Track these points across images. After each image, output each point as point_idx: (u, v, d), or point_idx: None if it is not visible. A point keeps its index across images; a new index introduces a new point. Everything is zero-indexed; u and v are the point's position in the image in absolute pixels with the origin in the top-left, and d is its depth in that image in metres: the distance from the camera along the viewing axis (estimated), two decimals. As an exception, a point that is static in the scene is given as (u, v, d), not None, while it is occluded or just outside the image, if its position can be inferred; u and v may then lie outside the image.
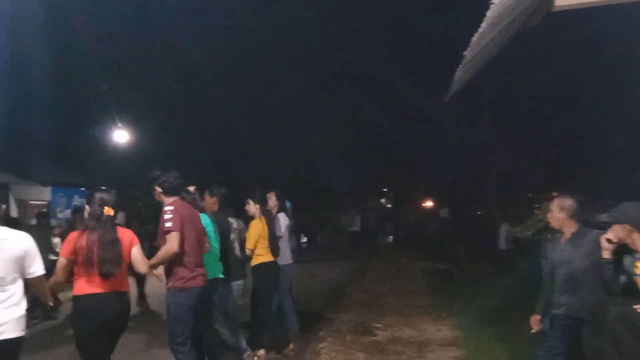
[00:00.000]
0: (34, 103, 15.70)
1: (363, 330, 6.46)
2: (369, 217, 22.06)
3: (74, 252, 3.46)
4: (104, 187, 3.82)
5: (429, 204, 29.32)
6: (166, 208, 4.01)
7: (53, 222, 13.00)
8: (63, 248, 3.51)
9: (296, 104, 20.11)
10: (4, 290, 3.00)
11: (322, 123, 20.79)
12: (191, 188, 4.76)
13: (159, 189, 4.15)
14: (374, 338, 6.13)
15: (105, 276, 3.46)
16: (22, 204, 13.61)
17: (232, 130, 19.39)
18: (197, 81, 18.69)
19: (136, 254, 3.68)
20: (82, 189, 15.83)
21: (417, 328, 6.48)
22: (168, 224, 3.91)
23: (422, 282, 10.17)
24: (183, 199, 4.34)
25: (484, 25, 3.35)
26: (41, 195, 14.17)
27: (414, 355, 5.35)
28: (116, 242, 3.54)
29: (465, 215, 20.34)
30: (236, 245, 5.26)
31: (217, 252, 4.77)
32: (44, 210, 13.05)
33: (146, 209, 15.23)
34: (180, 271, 4.02)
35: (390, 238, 23.38)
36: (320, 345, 5.87)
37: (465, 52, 3.95)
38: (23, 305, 3.08)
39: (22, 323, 3.06)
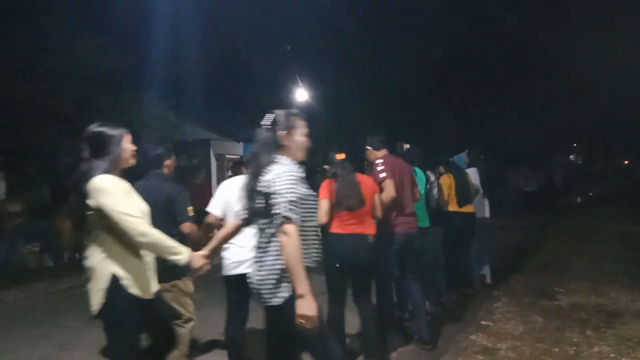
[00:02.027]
0: (228, 67, 17.35)
1: (542, 294, 6.11)
2: (554, 174, 20.28)
3: (329, 195, 3.92)
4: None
5: (626, 160, 25.85)
6: (377, 161, 4.45)
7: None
8: (321, 193, 3.94)
9: (480, 60, 19.07)
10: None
11: (501, 74, 19.46)
12: (406, 146, 5.36)
13: (369, 148, 4.64)
14: (555, 302, 5.77)
15: (349, 209, 3.85)
16: (220, 158, 15.39)
17: (409, 88, 19.16)
18: (375, 40, 18.73)
19: (376, 200, 4.08)
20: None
21: (606, 296, 5.91)
22: (382, 175, 4.33)
23: (615, 246, 9.14)
24: (396, 153, 4.91)
25: None
26: (235, 150, 15.82)
27: (602, 325, 4.91)
28: (354, 182, 3.95)
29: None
30: (432, 196, 5.64)
31: (424, 202, 5.22)
32: (238, 157, 14.60)
33: (322, 162, 16.03)
34: (390, 218, 4.37)
35: (579, 198, 21.28)
36: (494, 305, 5.74)
37: None
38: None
39: None
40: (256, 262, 2.62)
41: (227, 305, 3.80)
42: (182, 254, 2.67)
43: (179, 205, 3.65)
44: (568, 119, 22.45)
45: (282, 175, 2.48)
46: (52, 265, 9.54)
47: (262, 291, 2.57)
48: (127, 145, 2.76)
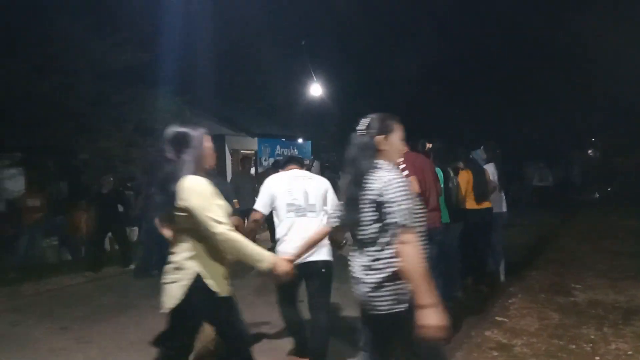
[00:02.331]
0: (243, 63, 17.40)
1: (558, 290, 6.05)
2: (572, 169, 19.96)
3: None
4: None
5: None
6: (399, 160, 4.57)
7: (260, 169, 14.62)
8: None
9: (496, 55, 18.87)
10: (316, 218, 3.75)
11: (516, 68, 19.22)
12: (428, 145, 5.58)
13: None
14: (571, 299, 5.71)
15: None
16: (235, 153, 15.48)
17: (424, 84, 19.01)
18: (388, 34, 18.61)
19: None
20: (283, 139, 17.32)
21: (624, 293, 5.83)
22: (405, 172, 4.41)
23: (634, 243, 9.00)
24: (417, 150, 5.15)
25: None
26: (250, 146, 15.89)
27: (619, 322, 4.85)
28: None
29: None
30: (453, 193, 5.84)
31: (443, 200, 5.30)
32: (252, 152, 14.92)
33: (339, 158, 16.09)
34: None
35: (597, 194, 20.96)
36: (510, 301, 5.69)
37: None
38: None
39: (329, 250, 3.74)
40: (366, 271, 2.51)
41: (280, 296, 3.94)
42: (265, 260, 2.72)
43: (226, 199, 3.80)
44: (586, 113, 22.12)
45: (393, 183, 2.42)
46: (70, 259, 9.69)
47: (375, 300, 2.48)
48: (208, 145, 2.83)
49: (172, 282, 2.70)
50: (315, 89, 16.84)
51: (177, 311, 2.70)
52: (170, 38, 11.69)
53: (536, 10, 18.30)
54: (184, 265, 2.68)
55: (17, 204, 9.43)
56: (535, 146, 21.21)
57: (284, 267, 2.81)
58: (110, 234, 9.22)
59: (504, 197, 6.74)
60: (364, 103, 18.27)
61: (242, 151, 15.82)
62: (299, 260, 3.60)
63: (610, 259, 7.74)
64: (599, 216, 13.54)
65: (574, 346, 4.29)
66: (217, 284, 2.70)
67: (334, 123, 19.09)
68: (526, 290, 6.15)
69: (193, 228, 2.65)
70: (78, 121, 10.20)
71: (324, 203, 3.86)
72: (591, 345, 4.30)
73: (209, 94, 14.78)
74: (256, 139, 15.85)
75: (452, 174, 5.78)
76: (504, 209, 6.73)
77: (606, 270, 7.04)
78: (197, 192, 2.61)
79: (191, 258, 2.68)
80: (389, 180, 2.43)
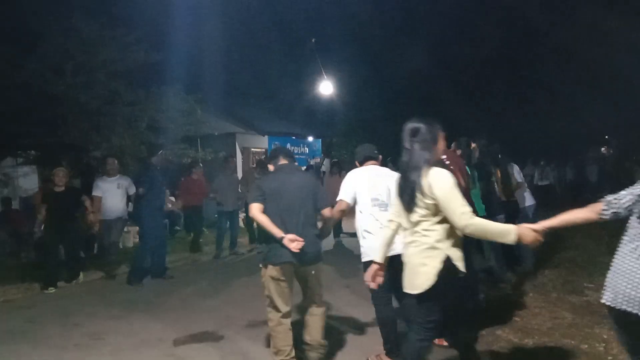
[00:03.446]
0: (253, 61, 17.46)
1: (571, 289, 6.00)
2: (586, 168, 19.71)
3: None
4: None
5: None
6: (442, 157, 4.70)
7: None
8: None
9: (507, 52, 18.76)
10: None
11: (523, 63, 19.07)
12: (472, 145, 5.79)
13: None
14: (584, 298, 5.65)
15: (463, 192, 4.17)
16: (245, 151, 15.54)
17: (434, 82, 18.95)
18: (400, 34, 18.56)
19: None
20: (293, 137, 17.34)
21: (638, 293, 5.77)
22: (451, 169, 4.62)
23: (649, 242, 8.88)
24: (461, 148, 5.44)
25: None
26: (260, 144, 15.93)
27: (633, 322, 4.80)
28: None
29: None
30: (496, 187, 6.42)
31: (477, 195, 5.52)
32: (263, 150, 15.12)
33: (349, 157, 16.09)
34: None
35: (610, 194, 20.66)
36: (521, 300, 5.65)
37: None
38: None
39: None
40: None
41: (375, 296, 4.04)
42: (511, 233, 2.83)
43: (320, 191, 4.07)
44: (600, 110, 21.83)
45: None
46: (83, 256, 9.76)
47: None
48: (440, 141, 3.09)
49: (423, 265, 2.92)
50: (326, 87, 16.82)
51: (428, 294, 2.89)
52: (181, 37, 11.76)
53: (550, 6, 18.15)
54: (436, 247, 2.91)
55: (31, 202, 9.51)
56: (548, 145, 21.01)
57: (531, 235, 2.86)
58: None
59: (528, 193, 7.49)
60: (374, 101, 18.25)
61: (252, 149, 15.87)
62: (392, 253, 3.68)
63: (624, 258, 7.65)
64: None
65: (586, 346, 4.25)
66: (461, 264, 2.94)
67: (344, 121, 19.07)
68: (538, 288, 6.10)
69: (438, 213, 2.88)
70: (92, 120, 10.29)
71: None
72: (604, 345, 4.26)
73: (219, 93, 14.83)
74: (266, 137, 15.90)
75: (493, 169, 6.26)
76: (527, 203, 7.45)
77: (620, 269, 6.95)
78: (442, 184, 2.86)
79: (440, 241, 2.91)
80: None
